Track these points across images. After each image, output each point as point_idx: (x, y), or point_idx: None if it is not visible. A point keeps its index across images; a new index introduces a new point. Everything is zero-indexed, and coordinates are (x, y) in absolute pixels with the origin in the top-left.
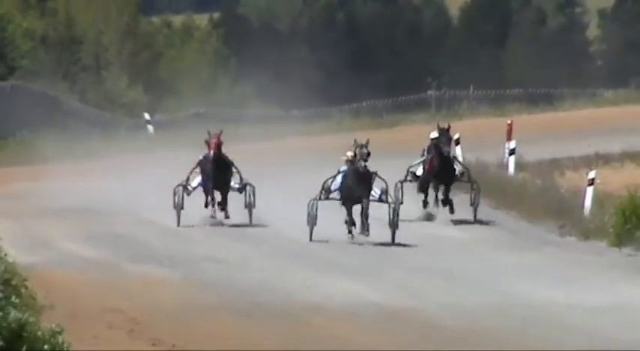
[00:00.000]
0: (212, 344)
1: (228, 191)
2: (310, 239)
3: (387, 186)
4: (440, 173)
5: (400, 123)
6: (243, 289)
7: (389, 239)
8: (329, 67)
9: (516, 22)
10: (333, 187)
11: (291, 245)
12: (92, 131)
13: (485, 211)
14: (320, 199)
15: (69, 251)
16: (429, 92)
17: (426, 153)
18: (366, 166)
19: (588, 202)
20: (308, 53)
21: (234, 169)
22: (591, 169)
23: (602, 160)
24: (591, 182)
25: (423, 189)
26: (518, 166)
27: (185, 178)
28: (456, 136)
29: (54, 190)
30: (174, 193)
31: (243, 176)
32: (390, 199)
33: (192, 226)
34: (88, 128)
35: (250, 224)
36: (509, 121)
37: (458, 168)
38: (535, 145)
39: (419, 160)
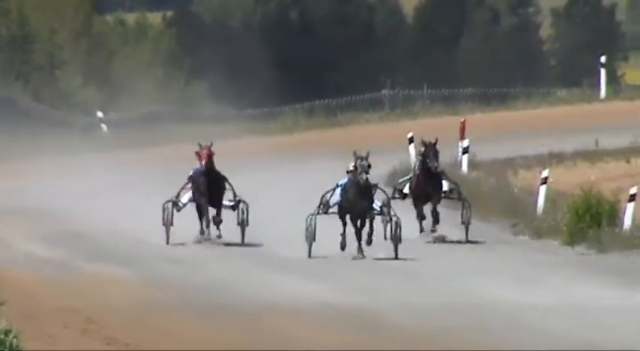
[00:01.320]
0: (166, 343)
1: (221, 206)
2: (309, 256)
3: (388, 199)
4: (426, 190)
5: (354, 122)
6: (198, 289)
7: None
8: (283, 65)
9: (470, 22)
10: (332, 201)
11: (247, 245)
12: (45, 130)
13: (440, 210)
14: (318, 213)
15: (23, 250)
16: (383, 91)
17: (414, 169)
18: (367, 179)
19: (541, 201)
20: (261, 52)
21: (227, 185)
22: (544, 168)
23: (556, 159)
24: (544, 181)
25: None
26: (472, 164)
27: (175, 194)
28: (409, 135)
29: (5, 190)
30: (164, 210)
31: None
32: (391, 212)
33: (184, 243)
34: (40, 127)
35: (242, 243)
36: (462, 120)
37: (447, 185)
38: (488, 144)
39: (406, 177)
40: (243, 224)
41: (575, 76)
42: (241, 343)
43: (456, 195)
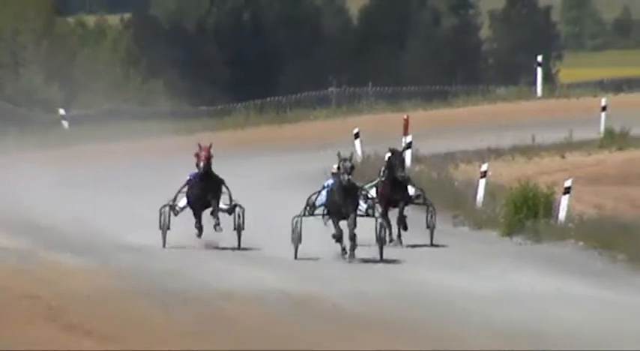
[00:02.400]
0: (126, 329)
1: (218, 208)
2: (295, 257)
3: (373, 201)
4: (392, 196)
5: (302, 118)
6: (156, 277)
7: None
8: (236, 65)
9: (413, 23)
10: (318, 203)
11: (205, 235)
12: (8, 127)
13: None
14: (305, 215)
15: None
16: (330, 89)
17: (381, 174)
18: (350, 180)
19: (481, 193)
20: (216, 52)
21: (224, 189)
22: (484, 163)
23: (494, 153)
24: (484, 175)
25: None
26: (415, 159)
27: (172, 197)
28: (355, 131)
29: None
30: (161, 214)
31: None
32: (377, 214)
33: (182, 247)
34: (3, 124)
35: (239, 248)
36: (405, 117)
37: (412, 190)
38: (430, 139)
39: (372, 183)
40: (239, 229)
41: (512, 75)
42: (196, 329)
43: (422, 200)
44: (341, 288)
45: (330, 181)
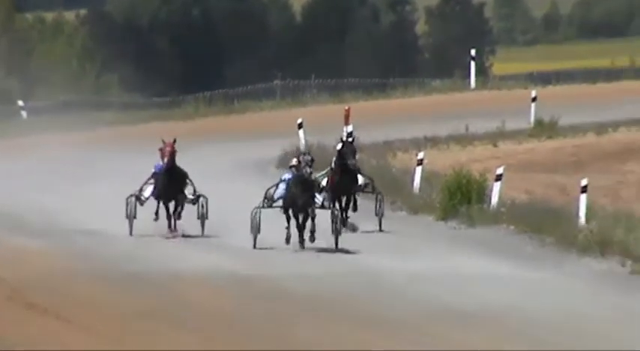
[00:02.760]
0: (81, 308)
1: (182, 201)
2: (254, 247)
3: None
4: (343, 184)
5: (249, 109)
6: (111, 259)
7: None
8: (186, 59)
9: (353, 19)
10: (276, 196)
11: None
12: None
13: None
14: (263, 207)
15: None
16: (275, 82)
17: (333, 165)
18: (311, 173)
19: (417, 180)
20: (167, 47)
21: (187, 181)
22: (420, 151)
23: (430, 142)
24: (420, 162)
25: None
26: (356, 147)
27: (139, 188)
28: (299, 121)
29: None
30: (127, 204)
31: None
32: (332, 206)
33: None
34: None
35: (202, 235)
36: (346, 107)
37: (362, 179)
38: (370, 129)
39: (324, 172)
40: (202, 217)
41: (447, 68)
42: (149, 308)
43: (371, 189)
44: (287, 270)
45: (288, 175)
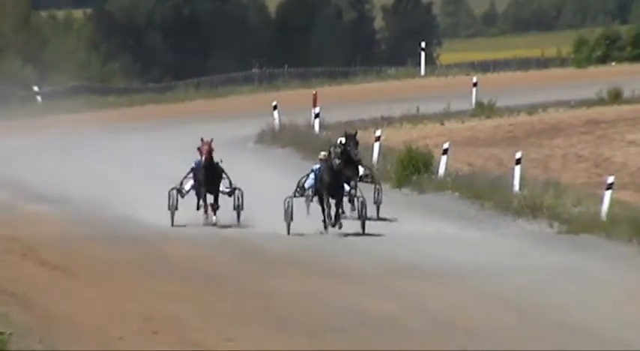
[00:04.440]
0: (84, 264)
1: (218, 195)
2: (288, 233)
3: (355, 182)
4: (345, 173)
5: (231, 93)
6: (110, 224)
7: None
8: (176, 50)
9: (319, 16)
10: (307, 185)
11: (150, 186)
12: None
13: (296, 162)
14: (295, 196)
15: None
16: (253, 70)
17: (333, 157)
18: (339, 164)
19: (375, 154)
20: (161, 40)
21: (224, 175)
22: (377, 129)
23: (386, 121)
24: (378, 139)
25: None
26: (322, 126)
27: (179, 182)
28: (274, 104)
29: None
30: (169, 196)
31: (233, 181)
32: (358, 193)
33: (185, 225)
34: None
35: (238, 225)
36: (314, 92)
37: (362, 170)
38: (335, 110)
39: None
40: (238, 209)
41: (401, 58)
42: (138, 263)
43: (370, 179)
44: (261, 232)
45: (317, 166)
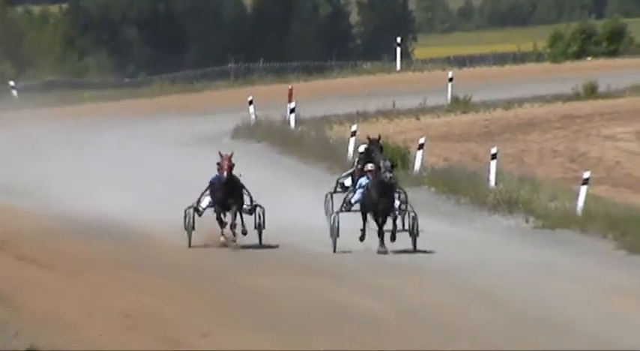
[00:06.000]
0: (61, 258)
1: (238, 212)
2: (334, 251)
3: (405, 196)
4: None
5: (207, 88)
6: (87, 218)
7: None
8: (152, 45)
9: (296, 11)
10: (354, 200)
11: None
12: None
13: (272, 156)
14: (342, 211)
15: None
16: (229, 65)
17: (356, 164)
18: (390, 178)
19: (351, 149)
20: (136, 35)
21: (244, 192)
22: (353, 124)
23: (362, 116)
24: (353, 134)
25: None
26: (298, 121)
27: (196, 199)
28: (249, 99)
29: None
30: (185, 215)
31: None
32: (409, 208)
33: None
34: None
35: (260, 245)
36: (290, 87)
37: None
38: (310, 105)
39: (348, 172)
40: (260, 227)
41: (376, 53)
42: (114, 257)
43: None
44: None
45: (364, 180)
